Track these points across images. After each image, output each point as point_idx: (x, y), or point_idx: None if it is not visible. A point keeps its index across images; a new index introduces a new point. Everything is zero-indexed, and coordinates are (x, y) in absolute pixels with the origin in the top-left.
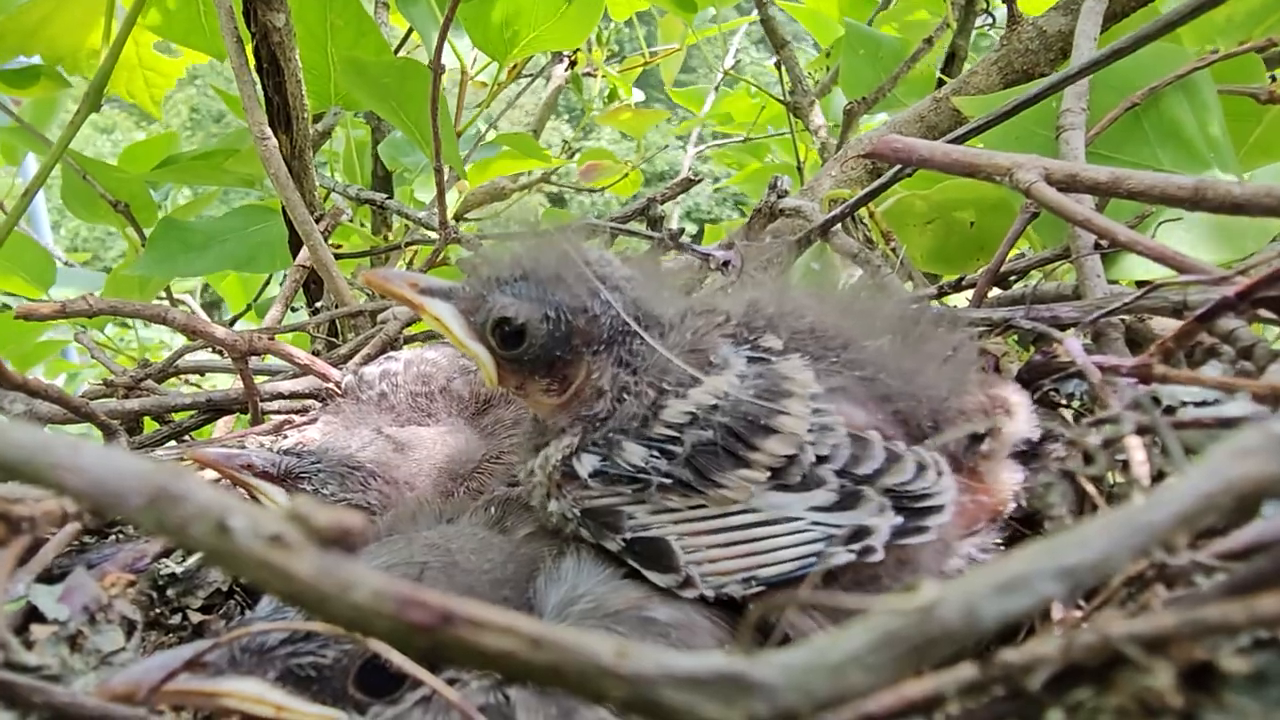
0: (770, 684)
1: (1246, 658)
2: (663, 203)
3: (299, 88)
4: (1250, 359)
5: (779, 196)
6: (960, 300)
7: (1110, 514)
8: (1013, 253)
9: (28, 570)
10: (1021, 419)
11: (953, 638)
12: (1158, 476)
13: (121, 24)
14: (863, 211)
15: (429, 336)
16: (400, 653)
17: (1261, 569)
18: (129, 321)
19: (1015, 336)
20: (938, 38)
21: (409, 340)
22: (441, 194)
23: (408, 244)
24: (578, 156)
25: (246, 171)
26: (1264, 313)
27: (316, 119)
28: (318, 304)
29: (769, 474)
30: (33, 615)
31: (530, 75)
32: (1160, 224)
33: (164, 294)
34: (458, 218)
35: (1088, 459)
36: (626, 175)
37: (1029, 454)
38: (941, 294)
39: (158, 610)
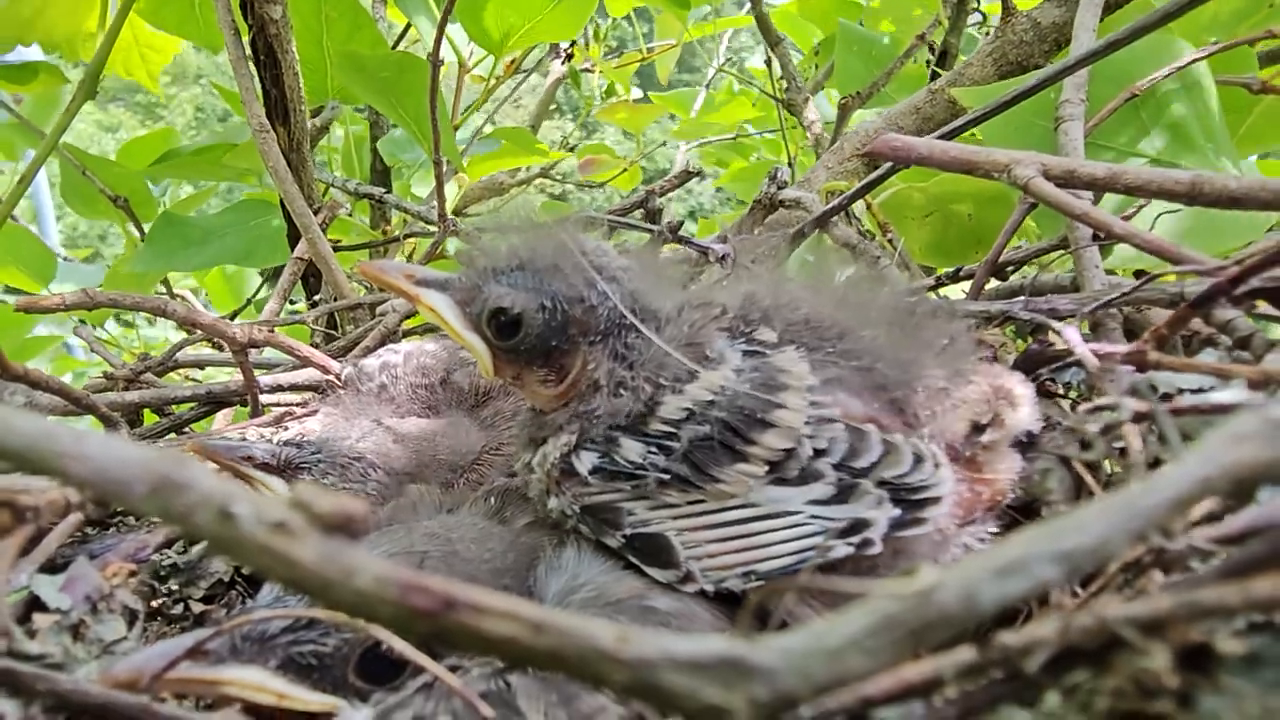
0: (770, 668)
1: (1242, 640)
2: (661, 195)
3: (296, 80)
4: (1247, 349)
5: (778, 188)
6: (958, 292)
7: (1108, 499)
8: (1011, 244)
9: (30, 560)
10: (1025, 409)
11: (951, 621)
12: (1154, 463)
13: (115, 14)
14: (860, 204)
15: (428, 329)
16: (402, 638)
17: (1257, 553)
18: (132, 319)
19: (1013, 328)
20: (930, 34)
21: (408, 333)
22: (440, 187)
23: (406, 237)
24: (577, 151)
25: (245, 165)
26: (1262, 305)
27: (314, 113)
28: (316, 297)
29: (767, 468)
30: (35, 605)
31: (528, 70)
32: (1159, 216)
33: (163, 288)
34: (456, 212)
35: (1085, 445)
36: (625, 170)
37: (1027, 443)
38: (939, 285)
39: (160, 600)
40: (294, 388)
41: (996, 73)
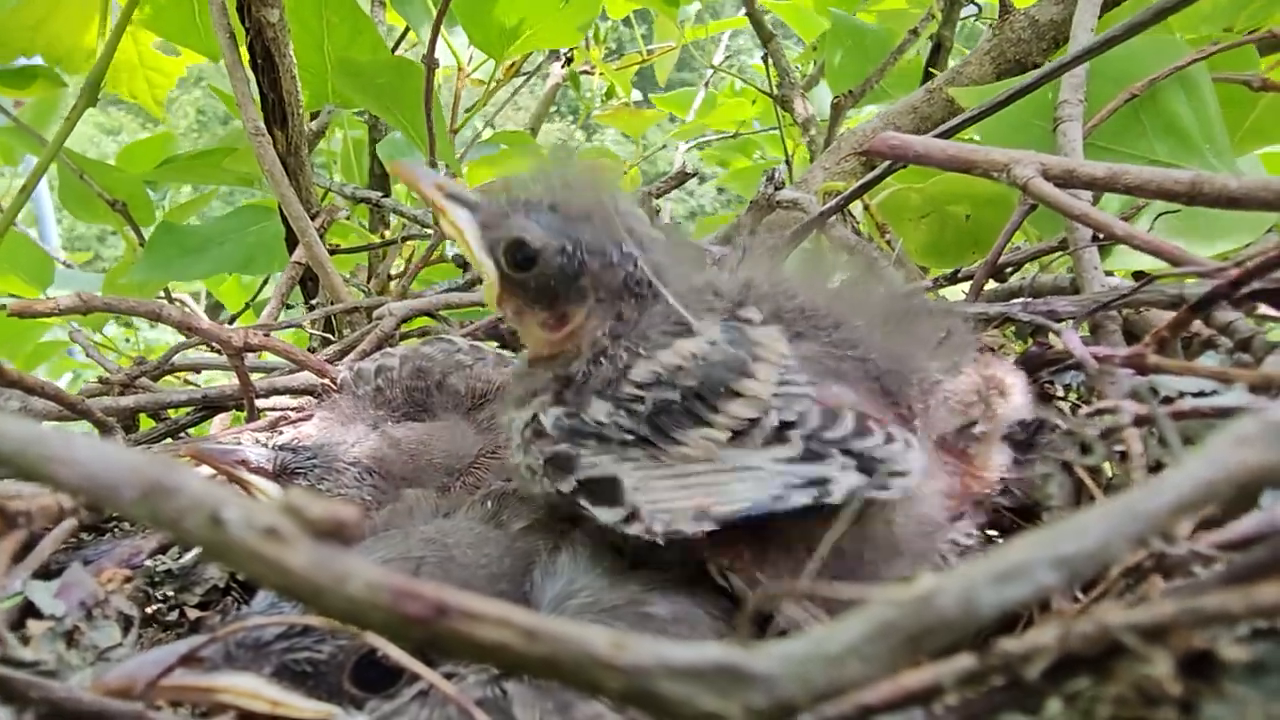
0: (768, 675)
1: (1246, 646)
2: (659, 196)
3: (294, 84)
4: (1249, 351)
5: (776, 189)
6: (957, 293)
7: (1108, 503)
8: (1010, 245)
9: (25, 566)
10: (1016, 398)
11: (951, 627)
12: (1155, 467)
13: (117, 20)
14: (858, 206)
15: (424, 333)
16: (396, 645)
17: (1261, 558)
18: (134, 323)
19: (1013, 329)
20: (923, 29)
21: (404, 336)
22: None
23: (404, 240)
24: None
25: (244, 170)
26: (1263, 308)
27: (312, 117)
28: (314, 301)
29: (730, 435)
30: (29, 611)
31: (527, 73)
32: (1159, 216)
33: (162, 293)
34: None
35: (1085, 449)
36: (625, 173)
37: (1025, 443)
38: (936, 286)
39: (154, 606)
40: (290, 391)
41: (995, 71)
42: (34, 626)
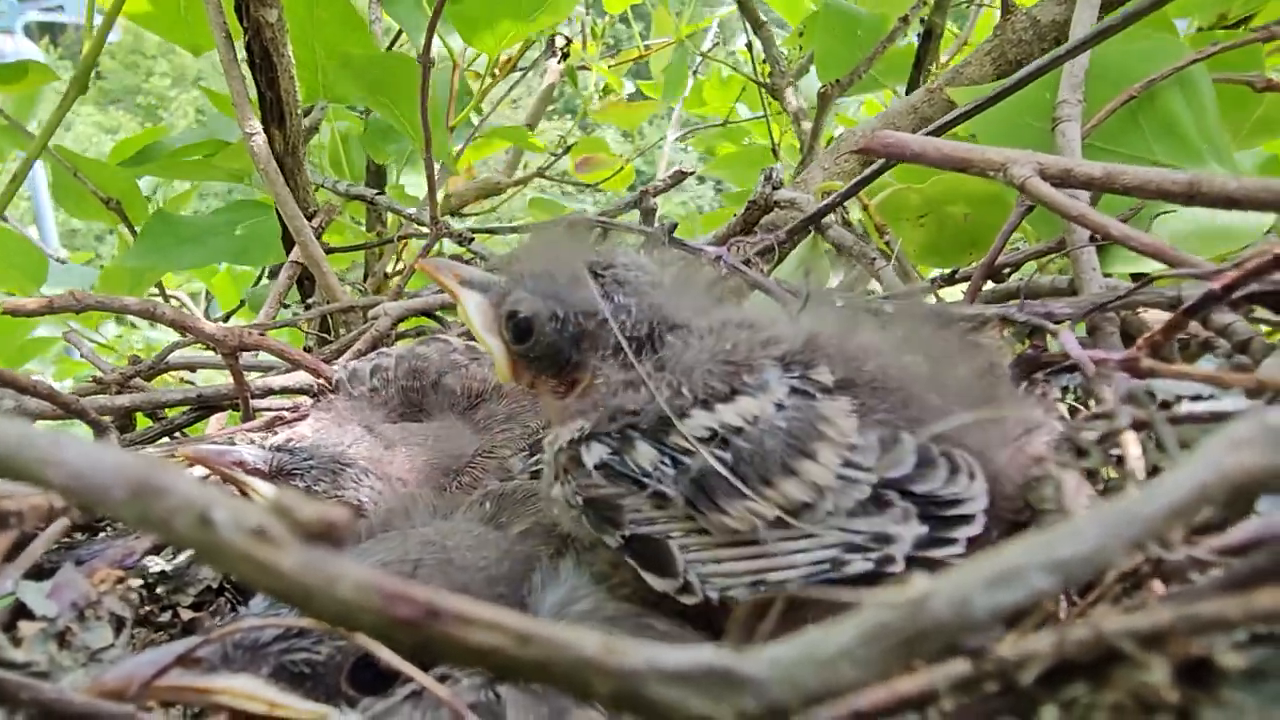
0: (759, 679)
1: (1244, 653)
2: (655, 195)
3: (292, 83)
4: (1247, 353)
5: (773, 188)
6: (955, 294)
7: (1104, 506)
8: (1008, 245)
9: (16, 566)
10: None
11: (944, 631)
12: (1152, 471)
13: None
14: (857, 206)
15: (420, 332)
16: (387, 648)
17: (1259, 565)
18: (135, 322)
19: (1011, 330)
20: (914, 15)
21: (400, 336)
22: (432, 190)
23: (400, 238)
24: (572, 150)
25: (235, 166)
26: (1261, 311)
27: (305, 114)
28: (310, 300)
29: (778, 513)
30: (21, 612)
31: (523, 69)
32: (1156, 216)
33: (156, 290)
34: (453, 213)
35: (1081, 453)
36: (621, 169)
37: None
38: (934, 287)
39: (147, 608)
40: (286, 391)
41: (995, 71)
42: (26, 627)
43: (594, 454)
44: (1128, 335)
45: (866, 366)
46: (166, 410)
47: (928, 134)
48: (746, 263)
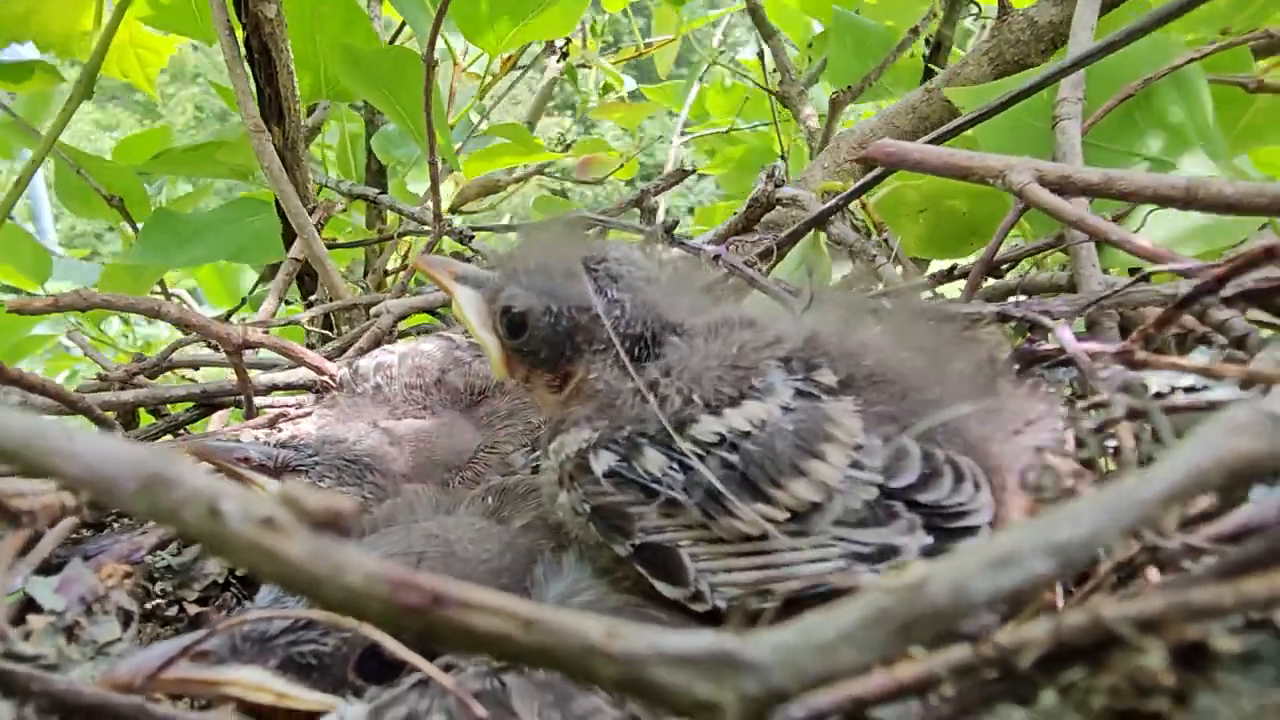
0: (761, 662)
1: (1239, 638)
2: (656, 194)
3: (291, 79)
4: (1243, 348)
5: (775, 186)
6: (953, 290)
7: (1101, 491)
8: (1007, 239)
9: (26, 561)
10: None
11: (942, 615)
12: (1147, 460)
13: (111, 13)
14: (855, 202)
15: (423, 329)
16: (393, 636)
17: (1252, 552)
18: (132, 318)
19: (1011, 324)
20: (924, 28)
21: (403, 333)
22: (435, 187)
23: (401, 235)
24: (573, 149)
25: (238, 163)
26: (1256, 311)
27: (308, 112)
28: (312, 297)
29: (789, 515)
30: (30, 606)
31: (524, 67)
32: (1149, 214)
33: (159, 288)
34: (453, 211)
35: (1078, 443)
36: (622, 166)
37: None
38: (933, 283)
39: (154, 602)
40: (289, 388)
41: (993, 72)
42: (35, 621)
43: (603, 462)
44: (1126, 331)
45: (865, 361)
46: (170, 407)
47: (931, 141)
48: (747, 262)
